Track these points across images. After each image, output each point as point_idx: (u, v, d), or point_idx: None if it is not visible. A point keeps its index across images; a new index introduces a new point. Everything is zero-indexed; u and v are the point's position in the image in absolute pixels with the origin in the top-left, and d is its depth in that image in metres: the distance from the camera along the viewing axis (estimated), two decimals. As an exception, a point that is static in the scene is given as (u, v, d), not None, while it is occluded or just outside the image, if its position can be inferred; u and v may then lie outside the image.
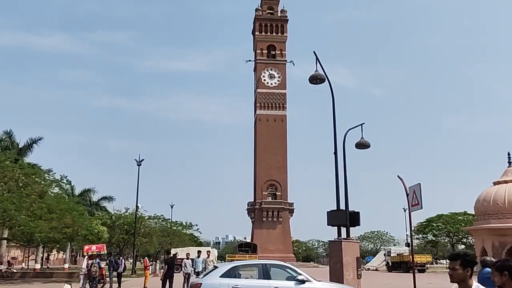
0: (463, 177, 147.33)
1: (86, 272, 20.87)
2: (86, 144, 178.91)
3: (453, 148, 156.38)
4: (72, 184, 42.74)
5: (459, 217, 61.81)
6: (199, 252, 21.29)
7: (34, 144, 35.50)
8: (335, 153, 15.59)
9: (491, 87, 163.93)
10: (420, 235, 66.90)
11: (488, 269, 8.75)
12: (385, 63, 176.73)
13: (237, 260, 34.97)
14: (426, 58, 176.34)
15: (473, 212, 14.25)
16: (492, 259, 9.35)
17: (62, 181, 35.04)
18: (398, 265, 50.85)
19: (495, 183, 13.52)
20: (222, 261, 49.98)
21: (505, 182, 13.19)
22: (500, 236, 12.63)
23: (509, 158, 13.65)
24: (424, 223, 64.98)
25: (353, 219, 14.82)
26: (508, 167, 13.53)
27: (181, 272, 20.00)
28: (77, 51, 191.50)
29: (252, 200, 76.72)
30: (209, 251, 23.49)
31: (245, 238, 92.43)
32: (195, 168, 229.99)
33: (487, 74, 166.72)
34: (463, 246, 69.74)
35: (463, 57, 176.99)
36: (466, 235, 56.83)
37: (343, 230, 14.87)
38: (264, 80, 78.55)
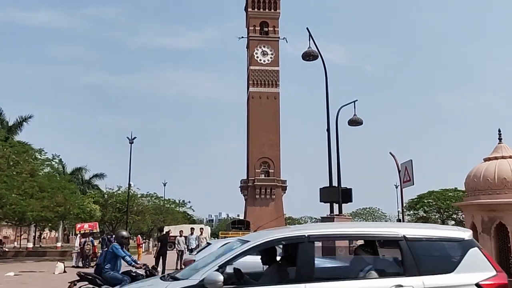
0: (454, 154, 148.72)
1: (79, 251, 20.97)
2: (77, 122, 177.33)
3: (445, 124, 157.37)
4: (64, 163, 42.59)
5: (449, 194, 62.62)
6: (192, 229, 21.44)
7: (24, 122, 35.17)
8: (328, 130, 15.60)
9: (484, 64, 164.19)
10: (411, 212, 67.79)
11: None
12: (378, 40, 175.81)
13: (230, 237, 35.22)
14: (420, 34, 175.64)
15: (463, 188, 14.36)
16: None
17: (53, 159, 34.90)
18: (389, 241, 51.52)
19: (485, 160, 13.59)
20: (215, 238, 50.40)
21: (496, 158, 13.24)
22: (490, 211, 12.75)
23: (499, 134, 13.70)
24: (415, 200, 65.79)
25: (345, 195, 14.94)
26: (499, 143, 13.58)
27: (175, 249, 20.14)
28: (67, 26, 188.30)
29: (245, 177, 77.10)
30: (202, 229, 23.66)
31: (238, 216, 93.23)
32: (188, 145, 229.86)
33: (480, 51, 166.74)
34: (453, 222, 70.90)
35: (457, 34, 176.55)
36: (457, 211, 57.65)
37: (336, 206, 15.01)
38: (257, 57, 78.03)
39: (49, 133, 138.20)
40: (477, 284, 4.36)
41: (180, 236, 19.69)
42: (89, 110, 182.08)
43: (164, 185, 68.15)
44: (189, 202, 72.96)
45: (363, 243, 5.54)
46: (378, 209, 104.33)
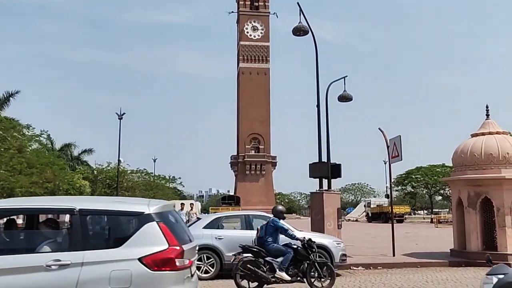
0: (443, 130, 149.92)
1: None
2: (66, 98, 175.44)
3: (434, 101, 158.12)
4: (52, 139, 42.20)
5: (437, 169, 63.41)
6: (182, 205, 21.54)
7: (11, 98, 34.57)
8: (318, 106, 15.61)
9: (472, 42, 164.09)
10: (400, 187, 68.71)
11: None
12: (370, 17, 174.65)
13: (220, 212, 35.46)
14: (411, 14, 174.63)
15: (451, 164, 14.54)
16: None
17: (42, 135, 34.55)
18: (377, 216, 52.31)
19: (473, 135, 13.72)
20: (206, 214, 50.77)
21: (483, 134, 13.39)
22: (476, 186, 12.95)
23: (487, 111, 13.81)
24: (404, 175, 66.56)
25: (335, 171, 15.07)
26: (486, 119, 13.71)
27: (165, 224, 20.25)
28: (55, 2, 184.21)
29: (235, 153, 77.16)
30: (192, 204, 23.78)
31: (228, 191, 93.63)
32: (178, 121, 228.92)
33: (469, 30, 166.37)
34: (440, 197, 72.01)
35: (447, 13, 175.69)
36: (444, 186, 58.53)
37: (325, 182, 15.15)
38: (247, 32, 77.13)
39: (37, 109, 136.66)
40: (139, 259, 4.31)
41: (171, 211, 19.76)
42: (78, 86, 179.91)
43: (154, 161, 68.11)
44: (179, 178, 73.04)
45: (46, 218, 5.34)
46: (367, 184, 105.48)
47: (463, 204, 13.20)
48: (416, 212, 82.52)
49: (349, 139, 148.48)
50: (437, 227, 37.54)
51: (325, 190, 14.60)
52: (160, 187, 59.26)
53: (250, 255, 8.44)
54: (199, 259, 10.13)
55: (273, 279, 8.29)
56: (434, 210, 69.68)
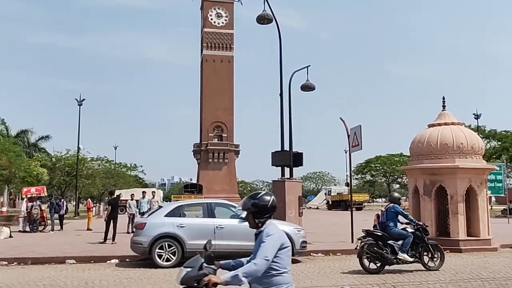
0: (402, 120, 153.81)
1: (25, 215, 20.40)
2: (22, 83, 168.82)
3: (393, 92, 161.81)
4: (7, 125, 40.70)
5: (395, 158, 65.21)
6: (143, 193, 21.28)
7: (-38, 82, 33.03)
8: (281, 94, 15.72)
9: (432, 34, 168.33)
10: (359, 175, 70.24)
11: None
12: (334, 7, 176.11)
13: (182, 200, 35.29)
14: (374, 3, 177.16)
15: (408, 154, 14.99)
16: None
17: (-5, 121, 33.27)
18: (337, 204, 53.43)
19: (429, 126, 14.17)
20: (168, 202, 50.39)
21: (439, 124, 13.85)
22: (431, 175, 13.42)
23: (443, 102, 14.29)
24: (363, 164, 68.10)
25: (297, 159, 15.26)
26: (442, 110, 14.18)
27: (126, 213, 19.99)
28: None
29: (198, 141, 76.76)
30: (154, 192, 23.54)
31: (190, 179, 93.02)
32: (140, 108, 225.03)
33: (428, 22, 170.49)
34: (397, 186, 74.12)
35: (408, 5, 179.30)
36: (401, 175, 60.19)
37: (287, 170, 15.32)
38: (211, 19, 76.37)
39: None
40: None
41: (132, 199, 19.54)
42: (34, 71, 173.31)
43: (115, 148, 66.90)
44: (141, 166, 72.16)
45: None
46: (328, 173, 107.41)
47: (419, 192, 13.66)
48: (375, 200, 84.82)
49: (312, 128, 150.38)
50: (394, 214, 38.60)
51: (287, 178, 14.78)
52: (121, 175, 58.35)
53: (371, 239, 9.16)
54: (160, 247, 10.10)
55: (395, 260, 9.02)
56: (392, 198, 71.71)
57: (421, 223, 9.89)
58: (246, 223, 3.46)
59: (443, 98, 14.23)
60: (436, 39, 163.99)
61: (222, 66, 75.21)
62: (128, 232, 17.37)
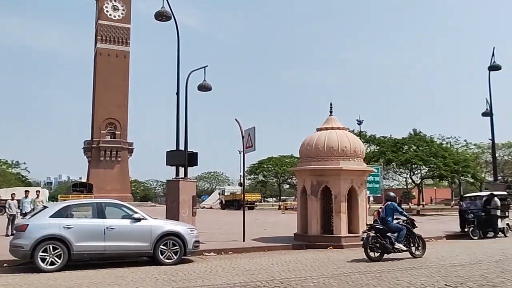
0: (294, 123, 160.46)
1: None
2: None
3: (287, 96, 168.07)
4: None
5: (286, 160, 68.08)
6: (26, 192, 19.82)
7: None
8: (178, 93, 15.63)
9: (322, 43, 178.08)
10: (252, 176, 72.09)
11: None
12: (234, 9, 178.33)
13: (70, 200, 33.46)
14: (272, 9, 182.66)
15: (298, 155, 15.81)
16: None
17: None
18: (230, 203, 54.24)
19: (318, 130, 15.09)
20: (54, 202, 47.31)
21: (326, 129, 14.80)
22: (318, 176, 14.28)
23: (331, 108, 15.31)
24: (256, 165, 70.07)
25: (192, 159, 15.29)
26: (330, 116, 15.19)
27: (5, 214, 18.50)
28: None
29: (89, 138, 73.10)
30: (39, 191, 21.99)
31: (80, 178, 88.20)
32: (25, 101, 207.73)
33: (318, 31, 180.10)
34: (287, 186, 77.32)
35: (301, 14, 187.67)
36: (291, 176, 62.90)
37: (182, 170, 15.29)
38: (107, 11, 73.23)
39: None
40: None
41: (12, 199, 18.13)
42: None
43: (-7, 143, 61.20)
44: (24, 163, 66.92)
45: None
46: (222, 173, 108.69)
47: (307, 192, 14.48)
48: (266, 199, 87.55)
49: (207, 128, 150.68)
50: (283, 213, 40.17)
51: (181, 178, 14.76)
52: (0, 172, 53.57)
53: (373, 231, 10.81)
54: (44, 250, 9.54)
55: (393, 250, 10.69)
56: (282, 197, 74.63)
57: (412, 218, 11.63)
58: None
59: (331, 104, 15.26)
60: (326, 48, 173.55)
61: (117, 61, 72.50)
62: (7, 235, 16.11)
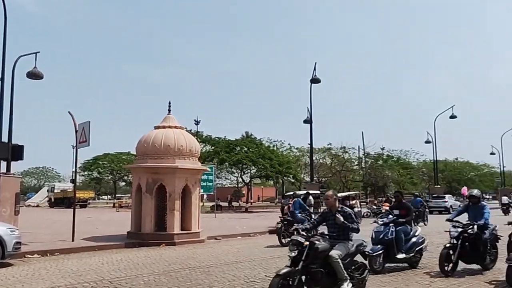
0: (132, 120, 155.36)
1: None
2: None
3: (127, 92, 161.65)
4: None
5: (123, 157, 66.22)
6: None
7: None
8: (2, 79, 14.40)
9: (155, 39, 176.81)
10: (86, 172, 68.41)
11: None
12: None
13: None
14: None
15: (135, 153, 15.71)
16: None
17: None
18: (61, 201, 50.78)
19: (155, 127, 15.20)
20: None
21: (164, 127, 15.00)
22: (154, 174, 14.40)
23: (169, 106, 15.56)
24: (91, 161, 66.65)
25: (16, 153, 14.26)
26: (168, 114, 15.42)
27: None
28: None
29: None
30: None
31: None
32: None
33: (164, 26, 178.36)
34: (124, 183, 75.19)
35: (152, 7, 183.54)
36: (128, 173, 61.33)
37: (4, 164, 14.11)
38: None
39: None
40: None
41: None
42: None
43: None
44: None
45: None
46: (52, 168, 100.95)
47: (142, 190, 14.46)
48: (101, 197, 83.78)
49: (36, 120, 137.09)
50: (118, 211, 39.25)
51: (3, 173, 13.57)
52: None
53: (286, 222, 13.99)
54: None
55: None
56: (117, 195, 72.26)
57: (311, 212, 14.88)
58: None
59: (169, 103, 15.48)
60: (169, 46, 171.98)
61: None
62: None
